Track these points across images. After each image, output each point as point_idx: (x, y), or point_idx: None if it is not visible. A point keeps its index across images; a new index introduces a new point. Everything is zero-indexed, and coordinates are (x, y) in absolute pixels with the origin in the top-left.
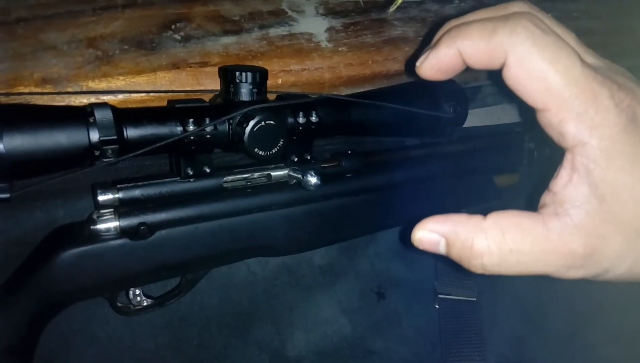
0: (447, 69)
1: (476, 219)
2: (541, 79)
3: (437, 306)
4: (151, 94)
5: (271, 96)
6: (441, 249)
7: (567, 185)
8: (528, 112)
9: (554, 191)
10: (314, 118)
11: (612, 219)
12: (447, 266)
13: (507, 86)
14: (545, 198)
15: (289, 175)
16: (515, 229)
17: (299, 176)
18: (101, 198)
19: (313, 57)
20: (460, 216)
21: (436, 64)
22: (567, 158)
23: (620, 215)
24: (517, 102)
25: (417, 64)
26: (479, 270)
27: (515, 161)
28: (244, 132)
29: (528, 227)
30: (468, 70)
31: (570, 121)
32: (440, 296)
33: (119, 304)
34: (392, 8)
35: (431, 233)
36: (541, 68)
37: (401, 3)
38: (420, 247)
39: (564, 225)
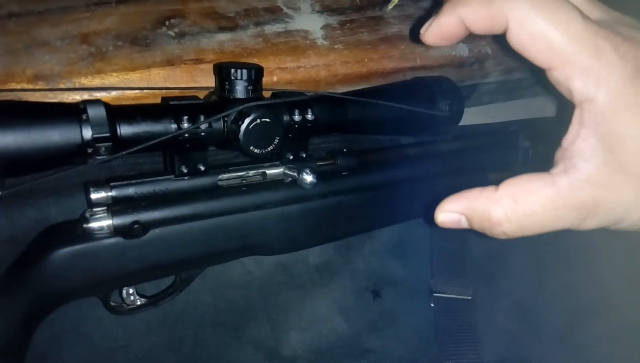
0: (449, 36)
1: (489, 192)
2: (543, 39)
3: (432, 305)
4: (145, 91)
5: (267, 94)
6: (464, 225)
7: (575, 140)
8: (523, 111)
9: (564, 147)
10: (309, 116)
11: (621, 170)
12: (442, 264)
13: (512, 49)
14: (557, 154)
15: (284, 173)
16: (527, 194)
17: (295, 174)
18: (94, 196)
19: (309, 55)
20: (474, 192)
21: (439, 32)
22: (576, 114)
23: (629, 165)
24: (512, 102)
25: (421, 31)
26: (502, 236)
27: (511, 160)
28: (239, 130)
29: (538, 189)
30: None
31: (576, 77)
32: (435, 294)
33: (112, 303)
34: (390, 6)
35: (451, 214)
36: (541, 29)
37: (399, 1)
38: (446, 227)
39: (572, 180)
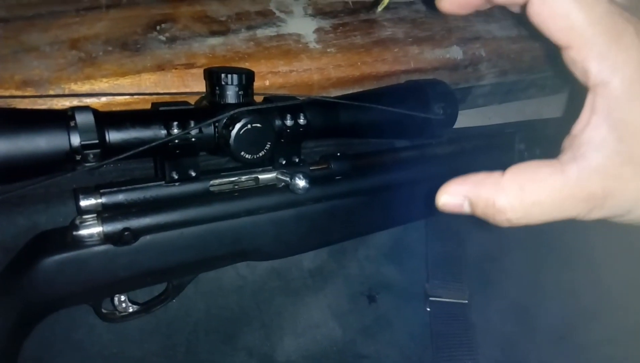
0: (468, 4)
1: (495, 177)
2: (564, 17)
3: (428, 309)
4: (135, 96)
5: (259, 98)
6: (466, 209)
7: (586, 127)
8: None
9: (573, 134)
10: (302, 121)
11: (632, 161)
12: (438, 268)
13: (530, 23)
14: (566, 141)
15: (277, 178)
16: (534, 181)
17: (287, 179)
18: (83, 203)
19: (301, 59)
20: (479, 176)
21: None
22: (589, 99)
23: None
24: (507, 104)
25: None
26: (505, 224)
27: (506, 162)
28: (230, 136)
29: (546, 177)
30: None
31: (593, 59)
32: (431, 298)
33: (104, 311)
34: (380, 8)
35: (454, 196)
36: (564, 5)
37: (389, 3)
38: (446, 211)
39: (581, 169)
